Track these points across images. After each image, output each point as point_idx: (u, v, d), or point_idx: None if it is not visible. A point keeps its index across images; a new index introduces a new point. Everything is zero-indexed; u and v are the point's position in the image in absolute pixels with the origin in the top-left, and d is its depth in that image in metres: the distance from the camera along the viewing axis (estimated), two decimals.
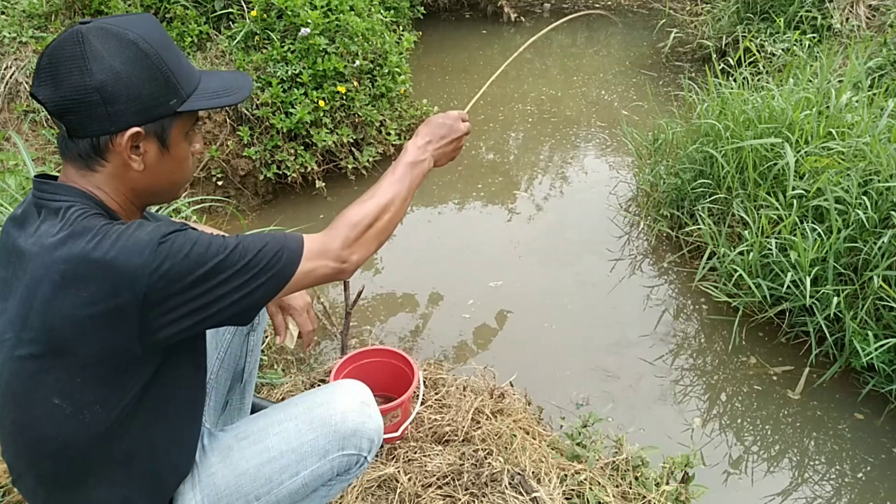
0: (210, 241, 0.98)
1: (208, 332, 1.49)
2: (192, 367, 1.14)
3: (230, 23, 3.77)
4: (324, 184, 3.53)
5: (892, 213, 2.31)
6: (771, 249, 2.48)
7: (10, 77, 3.40)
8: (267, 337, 2.35)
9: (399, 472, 1.73)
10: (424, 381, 2.05)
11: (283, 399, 1.96)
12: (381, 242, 1.18)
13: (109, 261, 0.92)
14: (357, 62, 3.55)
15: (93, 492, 1.06)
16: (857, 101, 2.88)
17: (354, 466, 1.23)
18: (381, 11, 4.03)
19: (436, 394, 2.04)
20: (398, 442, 1.85)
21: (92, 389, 0.99)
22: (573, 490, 1.74)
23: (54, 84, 0.96)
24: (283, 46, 3.43)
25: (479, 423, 1.91)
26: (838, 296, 2.28)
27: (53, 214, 0.98)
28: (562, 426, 2.12)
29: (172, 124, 1.04)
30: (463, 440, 1.86)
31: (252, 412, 1.67)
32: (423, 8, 5.56)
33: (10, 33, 3.48)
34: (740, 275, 2.54)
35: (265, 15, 3.54)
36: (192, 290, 0.96)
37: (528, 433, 1.93)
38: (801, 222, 2.49)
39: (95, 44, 0.95)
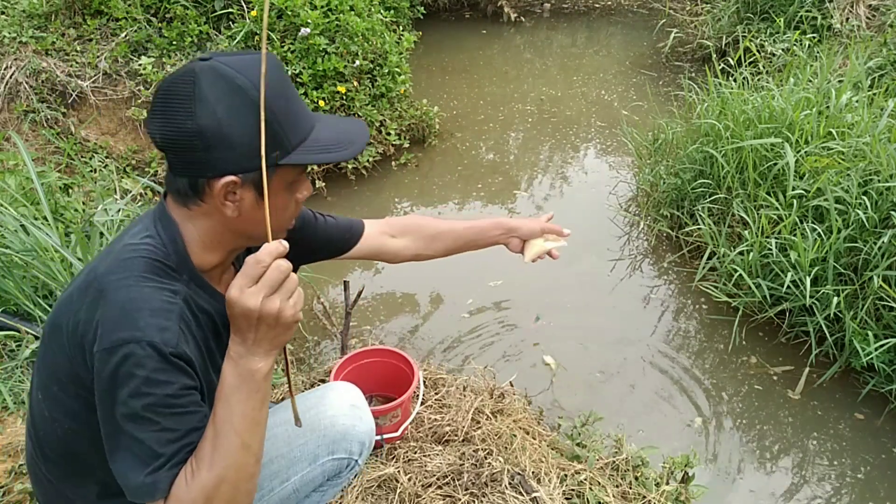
0: (160, 395, 0.89)
1: None
2: None
3: (230, 23, 3.77)
4: (324, 184, 3.53)
5: (892, 213, 2.31)
6: (771, 249, 2.48)
7: (10, 77, 3.40)
8: None
9: (399, 472, 1.73)
10: (424, 381, 2.05)
11: (282, 399, 1.96)
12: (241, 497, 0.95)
13: (107, 307, 0.91)
14: (357, 62, 3.55)
15: (92, 492, 1.07)
16: (857, 101, 2.88)
17: (345, 470, 1.23)
18: (381, 11, 4.03)
19: (436, 394, 2.04)
20: (398, 442, 1.85)
21: (62, 406, 1.00)
22: (573, 490, 1.74)
23: (162, 120, 0.94)
24: (283, 46, 3.43)
25: (479, 423, 1.91)
26: (838, 296, 2.28)
27: (142, 230, 0.99)
28: (559, 426, 2.12)
29: (273, 175, 0.98)
30: (463, 440, 1.86)
31: None
32: (423, 8, 5.55)
33: (10, 33, 3.48)
34: (740, 275, 2.54)
35: None
36: (104, 393, 0.91)
37: (528, 433, 1.93)
38: (801, 222, 2.49)
39: (204, 85, 0.92)
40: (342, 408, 1.22)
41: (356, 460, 1.23)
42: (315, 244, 1.37)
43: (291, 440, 1.17)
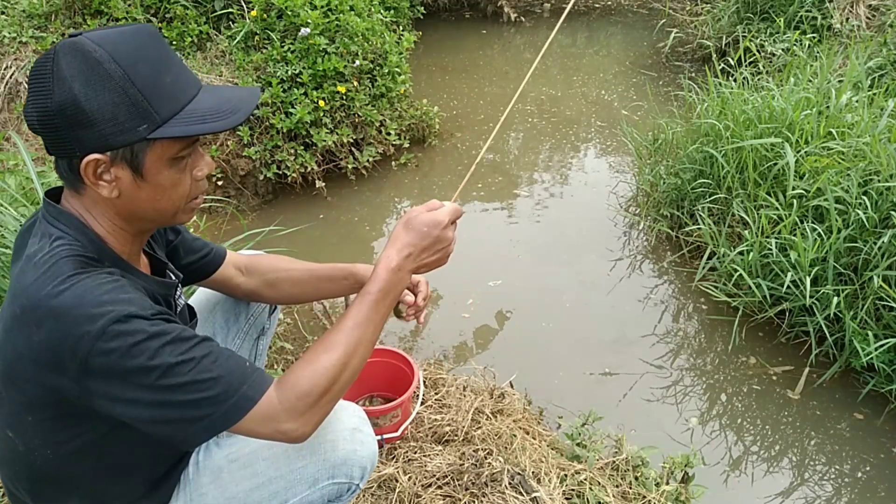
0: (170, 340, 0.90)
1: (217, 333, 1.47)
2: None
3: (230, 23, 3.77)
4: (324, 184, 3.53)
5: (892, 212, 2.31)
6: (771, 249, 2.48)
7: (10, 77, 3.41)
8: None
9: (399, 472, 1.73)
10: (424, 381, 2.05)
11: None
12: (340, 398, 1.03)
13: (63, 314, 0.87)
14: (357, 62, 3.55)
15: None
16: (857, 101, 2.88)
17: (346, 493, 1.20)
18: (381, 11, 4.03)
19: (436, 394, 2.04)
20: (398, 442, 1.85)
21: (42, 432, 0.97)
22: (573, 490, 1.74)
23: (30, 102, 0.92)
24: (283, 46, 3.43)
25: (479, 423, 1.91)
26: (838, 296, 2.28)
27: (47, 238, 0.95)
28: (559, 426, 2.12)
29: (146, 151, 0.93)
30: (463, 440, 1.86)
31: None
32: (423, 8, 5.56)
33: (10, 33, 3.48)
34: (740, 275, 2.54)
35: (265, 15, 3.54)
36: (127, 380, 0.89)
37: (528, 433, 1.93)
38: (801, 222, 2.49)
39: (62, 63, 0.89)
40: (343, 431, 1.18)
41: (357, 484, 1.20)
42: (183, 251, 1.31)
43: (291, 461, 1.15)
